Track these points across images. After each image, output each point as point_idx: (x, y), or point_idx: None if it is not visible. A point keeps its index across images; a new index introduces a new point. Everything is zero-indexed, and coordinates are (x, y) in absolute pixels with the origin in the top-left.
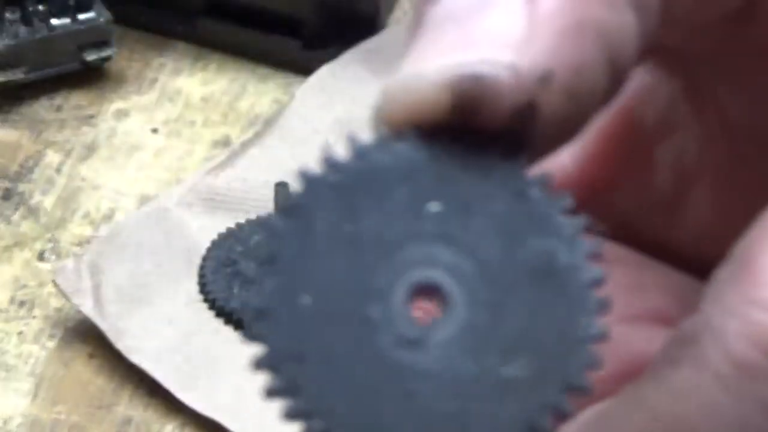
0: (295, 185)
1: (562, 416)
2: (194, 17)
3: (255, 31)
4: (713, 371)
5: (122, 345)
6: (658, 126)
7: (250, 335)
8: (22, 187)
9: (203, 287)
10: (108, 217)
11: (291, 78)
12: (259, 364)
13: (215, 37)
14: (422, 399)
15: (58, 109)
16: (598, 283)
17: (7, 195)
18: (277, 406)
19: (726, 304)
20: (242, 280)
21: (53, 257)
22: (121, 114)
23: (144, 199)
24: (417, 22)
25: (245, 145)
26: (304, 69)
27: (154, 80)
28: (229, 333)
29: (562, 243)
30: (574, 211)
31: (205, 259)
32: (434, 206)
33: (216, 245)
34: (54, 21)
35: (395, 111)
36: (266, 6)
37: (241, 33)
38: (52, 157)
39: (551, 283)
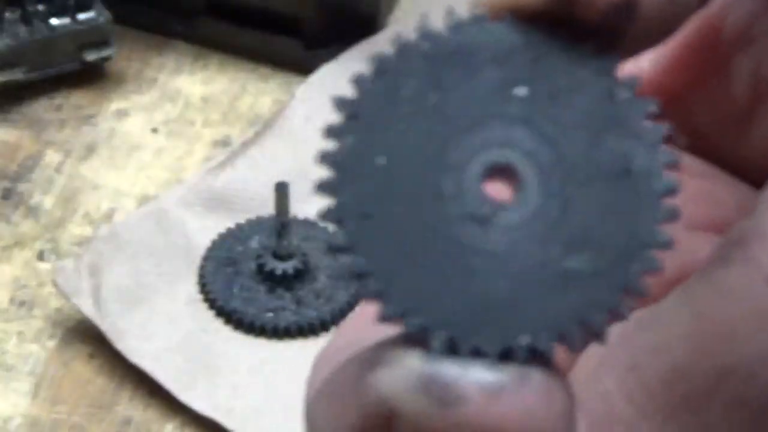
0: (387, 48)
1: (615, 316)
2: (194, 17)
3: (255, 31)
4: (762, 272)
5: (122, 345)
6: (738, 36)
7: (321, 187)
8: (21, 187)
9: (203, 287)
10: (108, 217)
11: (291, 78)
12: (327, 215)
13: (215, 37)
14: (481, 276)
15: (58, 108)
16: (671, 192)
17: (7, 195)
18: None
19: None
20: (242, 280)
21: (53, 257)
22: (121, 114)
23: (144, 199)
24: None
25: (245, 145)
26: (304, 69)
27: (154, 80)
28: (229, 333)
29: (642, 147)
30: (657, 118)
31: (205, 259)
32: (521, 90)
33: (216, 245)
34: (54, 21)
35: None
36: (266, 6)
37: (241, 33)
38: (52, 157)
39: (625, 184)
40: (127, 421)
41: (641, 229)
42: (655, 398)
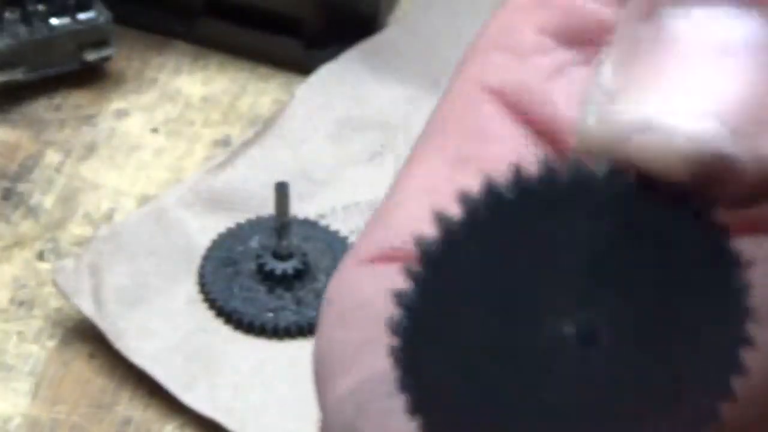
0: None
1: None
2: (194, 17)
3: (255, 31)
4: None
5: (122, 345)
6: None
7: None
8: (21, 187)
9: (203, 287)
10: (108, 217)
11: (291, 78)
12: (409, 411)
13: (215, 37)
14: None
15: (58, 108)
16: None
17: (7, 195)
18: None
19: None
20: (242, 280)
21: (53, 257)
22: (121, 114)
23: (144, 199)
24: (654, 34)
25: (245, 145)
26: (304, 69)
27: (154, 80)
28: (229, 333)
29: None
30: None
31: (205, 259)
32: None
33: (216, 245)
34: (54, 21)
35: (624, 148)
36: (266, 6)
37: (241, 33)
38: (52, 157)
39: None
40: (127, 421)
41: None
42: None
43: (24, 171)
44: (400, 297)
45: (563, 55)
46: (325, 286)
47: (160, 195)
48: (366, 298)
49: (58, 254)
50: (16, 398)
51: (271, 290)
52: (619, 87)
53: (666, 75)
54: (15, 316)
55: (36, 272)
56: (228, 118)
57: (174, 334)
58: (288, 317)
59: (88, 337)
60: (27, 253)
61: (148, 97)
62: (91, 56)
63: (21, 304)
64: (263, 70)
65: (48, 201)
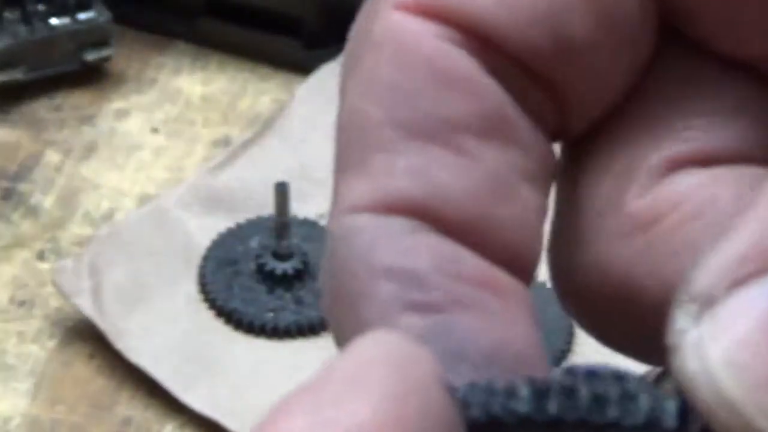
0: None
1: None
2: (194, 17)
3: (255, 31)
4: None
5: (122, 345)
6: None
7: None
8: (21, 186)
9: (203, 287)
10: (108, 217)
11: (291, 78)
12: None
13: (215, 37)
14: None
15: (58, 108)
16: None
17: (7, 195)
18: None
19: None
20: (242, 280)
21: (53, 257)
22: (121, 114)
23: (144, 199)
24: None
25: (245, 145)
26: (304, 69)
27: (154, 80)
28: (229, 333)
29: None
30: None
31: (205, 259)
32: None
33: (216, 245)
34: (54, 21)
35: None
36: (266, 6)
37: (241, 33)
38: (52, 157)
39: None
40: (127, 421)
41: None
42: None
43: (24, 171)
44: None
45: None
46: None
47: (160, 195)
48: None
49: (58, 254)
50: (16, 398)
51: (271, 290)
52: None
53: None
54: (15, 316)
55: (36, 272)
56: (228, 118)
57: (174, 334)
58: (288, 317)
59: (88, 337)
60: (27, 253)
61: (148, 97)
62: (91, 56)
63: (21, 304)
64: (263, 70)
65: (48, 201)
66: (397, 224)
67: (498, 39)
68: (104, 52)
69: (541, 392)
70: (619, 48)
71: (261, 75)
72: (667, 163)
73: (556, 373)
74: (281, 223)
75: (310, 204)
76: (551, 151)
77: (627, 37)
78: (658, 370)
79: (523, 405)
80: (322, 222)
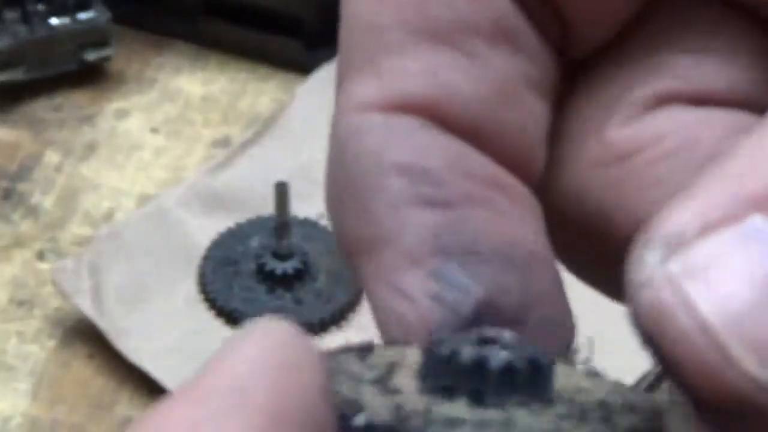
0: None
1: None
2: (194, 17)
3: (255, 31)
4: None
5: (122, 345)
6: None
7: None
8: (21, 186)
9: (203, 287)
10: (108, 217)
11: (291, 78)
12: None
13: (215, 37)
14: None
15: (58, 108)
16: None
17: (7, 195)
18: None
19: None
20: (242, 280)
21: (53, 257)
22: (121, 114)
23: (144, 199)
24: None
25: (245, 145)
26: (304, 69)
27: (154, 80)
28: (229, 333)
29: None
30: None
31: (205, 258)
32: None
33: (216, 245)
34: (54, 20)
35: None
36: (266, 6)
37: (241, 33)
38: (52, 157)
39: None
40: (127, 421)
41: None
42: None
43: (24, 171)
44: None
45: None
46: (325, 286)
47: (160, 195)
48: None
49: (58, 254)
50: (16, 398)
51: (271, 290)
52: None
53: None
54: (15, 316)
55: (36, 272)
56: (228, 118)
57: (174, 334)
58: (288, 317)
59: (88, 337)
60: (27, 253)
61: (148, 97)
62: (91, 56)
63: (21, 304)
64: (263, 70)
65: (48, 201)
66: (408, 123)
67: None
68: (104, 52)
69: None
70: None
71: (261, 75)
72: (655, 97)
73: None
74: (281, 223)
75: (310, 204)
76: (556, 64)
77: None
78: (654, 373)
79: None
80: (322, 222)
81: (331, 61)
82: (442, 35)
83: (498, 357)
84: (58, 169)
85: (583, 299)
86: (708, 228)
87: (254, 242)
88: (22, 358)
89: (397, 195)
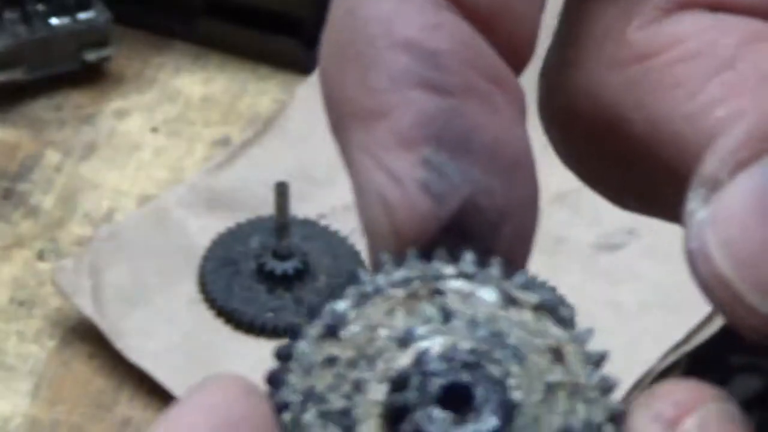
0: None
1: None
2: (194, 17)
3: (255, 31)
4: None
5: (122, 345)
6: None
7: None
8: (21, 186)
9: (203, 287)
10: (108, 217)
11: (291, 78)
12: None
13: (215, 37)
14: None
15: (58, 108)
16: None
17: (7, 195)
18: None
19: None
20: (242, 280)
21: (53, 257)
22: (121, 113)
23: (144, 199)
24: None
25: (245, 145)
26: (304, 69)
27: (154, 80)
28: (229, 333)
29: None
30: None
31: (205, 259)
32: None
33: (216, 245)
34: (54, 20)
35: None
36: (266, 6)
37: (241, 33)
38: (52, 157)
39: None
40: (127, 421)
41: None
42: None
43: (24, 171)
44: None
45: None
46: (324, 286)
47: (160, 195)
48: None
49: (58, 254)
50: (16, 398)
51: (271, 290)
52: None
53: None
54: (15, 316)
55: (36, 272)
56: (228, 118)
57: (174, 334)
58: (288, 317)
59: (88, 337)
60: (27, 253)
61: (148, 97)
62: (91, 56)
63: (21, 304)
64: (263, 70)
65: (48, 201)
66: None
67: None
68: (104, 52)
69: None
70: None
71: (261, 75)
72: (676, 1)
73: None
74: (281, 223)
75: (310, 204)
76: None
77: None
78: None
79: None
80: (322, 222)
81: None
82: None
83: None
84: (58, 169)
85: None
86: (740, 166)
87: (254, 242)
88: (22, 358)
89: (401, 72)
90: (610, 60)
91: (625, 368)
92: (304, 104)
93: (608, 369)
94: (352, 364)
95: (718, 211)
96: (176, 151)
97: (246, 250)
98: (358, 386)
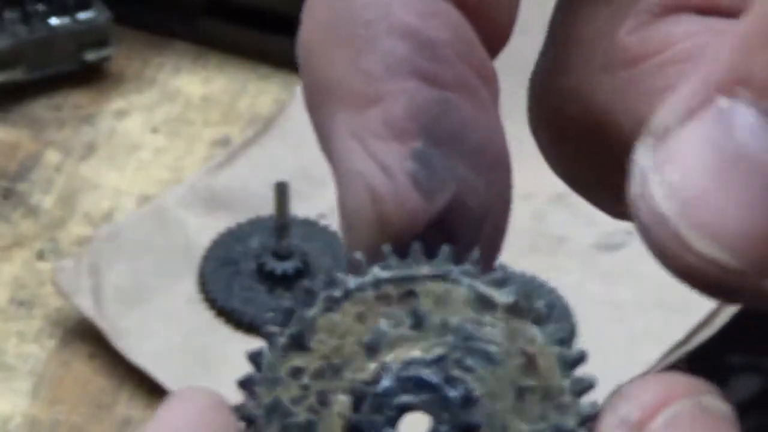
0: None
1: None
2: (194, 17)
3: (255, 31)
4: None
5: (122, 345)
6: None
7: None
8: (21, 186)
9: (203, 287)
10: (108, 217)
11: (291, 77)
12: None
13: (215, 37)
14: None
15: (58, 108)
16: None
17: (7, 195)
18: None
19: None
20: (242, 280)
21: (53, 257)
22: (121, 113)
23: (143, 199)
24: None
25: (245, 145)
26: None
27: (154, 80)
28: (229, 333)
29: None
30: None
31: (205, 258)
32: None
33: (216, 245)
34: (53, 20)
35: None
36: (266, 6)
37: (241, 33)
38: (52, 157)
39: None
40: (127, 421)
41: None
42: None
43: (24, 171)
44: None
45: None
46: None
47: (160, 195)
48: None
49: (58, 254)
50: (16, 398)
51: (271, 290)
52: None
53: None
54: (15, 316)
55: (36, 272)
56: (228, 118)
57: (174, 334)
58: None
59: (88, 337)
60: (27, 253)
61: (148, 97)
62: (91, 56)
63: (21, 304)
64: (263, 69)
65: (48, 201)
66: None
67: None
68: (104, 52)
69: None
70: None
71: (261, 75)
72: (665, 5)
73: None
74: (281, 223)
75: (310, 204)
76: None
77: None
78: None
79: None
80: (322, 222)
81: None
82: None
83: None
84: (57, 169)
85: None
86: (686, 117)
87: (254, 242)
88: (22, 358)
89: (398, 60)
90: (601, 63)
91: (625, 368)
92: (304, 104)
93: (594, 369)
94: (319, 374)
95: (665, 156)
96: (176, 151)
97: (246, 250)
98: (324, 398)
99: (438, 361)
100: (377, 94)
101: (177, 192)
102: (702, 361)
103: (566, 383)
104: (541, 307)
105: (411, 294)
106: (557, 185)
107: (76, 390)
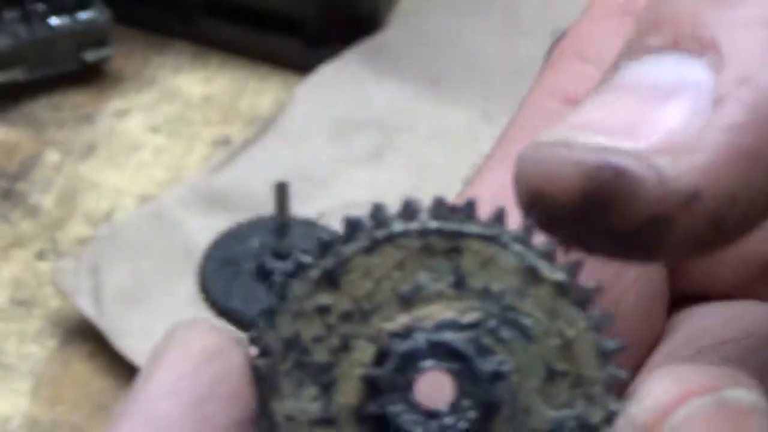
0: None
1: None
2: (194, 16)
3: (255, 31)
4: None
5: (122, 345)
6: None
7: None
8: (21, 186)
9: (203, 287)
10: (108, 217)
11: (291, 77)
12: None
13: (215, 37)
14: None
15: (58, 108)
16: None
17: (7, 195)
18: None
19: None
20: (242, 280)
21: (53, 257)
22: (121, 113)
23: (144, 199)
24: (603, 79)
25: (245, 145)
26: (305, 68)
27: (154, 79)
28: None
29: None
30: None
31: (205, 258)
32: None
33: (216, 245)
34: (53, 20)
35: (528, 176)
36: (266, 6)
37: (241, 32)
38: (52, 157)
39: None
40: None
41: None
42: None
43: (24, 171)
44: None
45: None
46: None
47: (160, 195)
48: None
49: (58, 254)
50: (16, 398)
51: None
52: (568, 120)
53: (604, 110)
54: (15, 316)
55: (36, 272)
56: (228, 118)
57: None
58: None
59: (88, 337)
60: (27, 253)
61: (148, 96)
62: (91, 56)
63: (21, 304)
64: (263, 69)
65: (48, 201)
66: None
67: None
68: (104, 52)
69: None
70: None
71: (261, 75)
72: None
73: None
74: (281, 223)
75: (310, 204)
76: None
77: None
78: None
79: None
80: (322, 222)
81: (331, 60)
82: None
83: None
84: (57, 169)
85: None
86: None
87: (254, 242)
88: (22, 358)
89: None
90: None
91: None
92: (304, 104)
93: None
94: (346, 316)
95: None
96: (176, 151)
97: (246, 250)
98: (346, 343)
99: (472, 327)
100: None
101: (177, 192)
102: None
103: (600, 374)
104: (589, 289)
105: (456, 250)
106: None
107: (76, 390)
